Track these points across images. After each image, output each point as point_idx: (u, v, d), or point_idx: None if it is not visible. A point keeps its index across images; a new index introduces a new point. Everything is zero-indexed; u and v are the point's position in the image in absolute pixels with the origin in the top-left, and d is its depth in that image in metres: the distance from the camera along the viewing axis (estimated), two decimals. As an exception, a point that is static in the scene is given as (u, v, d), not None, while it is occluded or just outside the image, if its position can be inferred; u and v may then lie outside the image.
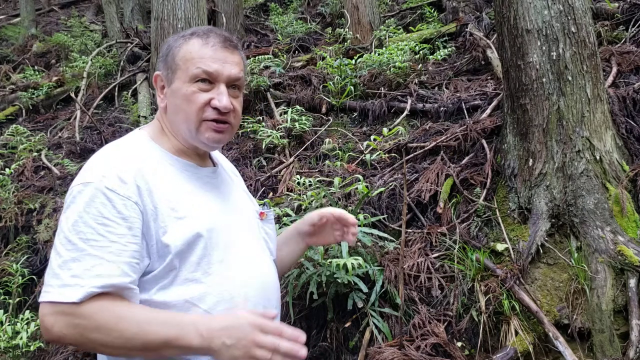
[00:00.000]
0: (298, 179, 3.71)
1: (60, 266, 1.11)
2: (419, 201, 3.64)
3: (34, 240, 4.14)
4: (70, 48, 8.24)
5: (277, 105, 5.49)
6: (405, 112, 4.87)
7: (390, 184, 3.77)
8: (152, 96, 6.23)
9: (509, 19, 3.40)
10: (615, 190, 3.06)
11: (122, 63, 7.38)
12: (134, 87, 6.72)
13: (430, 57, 5.78)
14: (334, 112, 5.32)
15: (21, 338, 3.09)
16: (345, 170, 4.04)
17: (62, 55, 8.37)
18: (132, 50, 7.62)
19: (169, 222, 1.21)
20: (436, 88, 5.28)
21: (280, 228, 2.91)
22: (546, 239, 3.08)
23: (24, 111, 6.69)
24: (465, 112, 4.55)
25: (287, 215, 3.33)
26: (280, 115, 5.17)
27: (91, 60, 7.30)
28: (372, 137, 3.95)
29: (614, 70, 4.24)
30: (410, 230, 3.48)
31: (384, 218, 3.53)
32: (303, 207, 3.47)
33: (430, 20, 7.10)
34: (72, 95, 6.78)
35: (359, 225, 3.17)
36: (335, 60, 5.64)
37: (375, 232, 3.15)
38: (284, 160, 4.58)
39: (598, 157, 3.15)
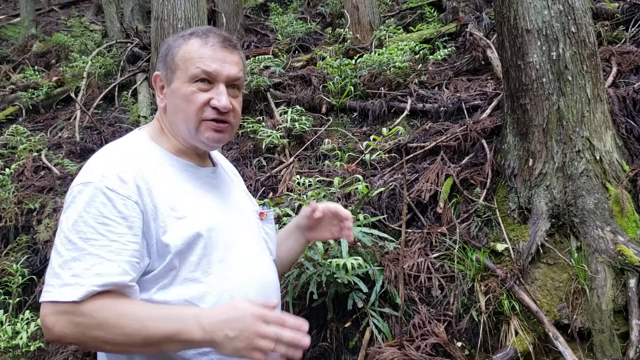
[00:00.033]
0: (298, 179, 3.71)
1: (61, 266, 1.11)
2: (419, 201, 3.64)
3: (34, 240, 4.14)
4: (70, 48, 8.24)
5: (277, 105, 5.49)
6: (405, 112, 4.87)
7: (390, 184, 3.77)
8: (152, 96, 6.22)
9: (509, 19, 3.40)
10: (615, 190, 3.06)
11: (122, 63, 7.39)
12: (134, 87, 6.72)
13: (430, 57, 5.77)
14: (334, 112, 5.32)
15: (21, 338, 3.09)
16: (345, 170, 4.04)
17: (62, 55, 8.37)
18: (132, 50, 7.62)
19: (168, 221, 1.21)
20: (436, 88, 5.28)
21: (280, 228, 2.90)
22: (546, 239, 3.08)
23: (24, 111, 6.69)
24: (465, 112, 4.55)
25: (287, 215, 3.33)
26: (280, 115, 5.17)
27: (91, 60, 7.30)
28: (371, 137, 3.95)
29: (614, 70, 4.24)
30: (410, 230, 3.48)
31: (384, 218, 3.53)
32: (303, 207, 3.47)
33: (430, 20, 7.10)
34: (72, 95, 6.79)
35: (359, 225, 3.17)
36: (335, 60, 5.64)
37: (375, 232, 3.15)
38: (284, 160, 4.58)
39: (598, 157, 3.15)
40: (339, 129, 5.06)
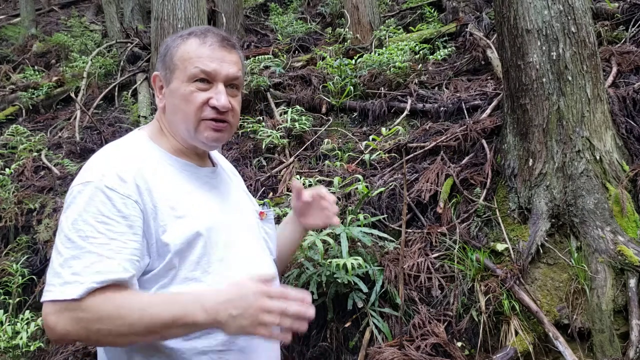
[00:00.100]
0: (298, 179, 3.71)
1: (61, 265, 1.12)
2: (419, 201, 3.64)
3: (34, 240, 4.14)
4: (70, 48, 8.24)
5: (277, 105, 5.49)
6: (405, 112, 4.87)
7: (390, 184, 3.77)
8: (152, 96, 6.22)
9: (509, 19, 3.40)
10: (615, 190, 3.06)
11: (122, 63, 7.39)
12: (134, 87, 6.72)
13: (430, 57, 5.77)
14: (334, 112, 5.32)
15: (21, 338, 3.09)
16: (345, 170, 4.04)
17: (62, 55, 8.37)
18: (132, 50, 7.62)
19: (168, 221, 1.22)
20: (436, 88, 5.28)
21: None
22: (546, 239, 3.08)
23: (24, 111, 6.69)
24: (465, 112, 4.55)
25: (287, 215, 3.33)
26: (280, 115, 5.17)
27: (91, 60, 7.30)
28: (370, 138, 3.95)
29: (614, 70, 4.24)
30: (410, 230, 3.48)
31: (384, 218, 3.53)
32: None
33: (430, 20, 7.10)
34: (72, 95, 6.79)
35: (359, 225, 3.17)
36: (335, 60, 5.64)
37: (375, 232, 3.15)
38: (284, 160, 4.58)
39: (598, 157, 3.15)
40: (339, 129, 5.05)
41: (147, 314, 1.09)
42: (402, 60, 5.43)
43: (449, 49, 5.83)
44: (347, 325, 2.96)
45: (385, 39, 6.59)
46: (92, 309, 1.08)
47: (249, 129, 4.92)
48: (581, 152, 3.15)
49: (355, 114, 5.23)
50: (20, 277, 3.66)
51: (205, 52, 1.31)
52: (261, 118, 5.19)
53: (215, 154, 1.55)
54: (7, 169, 4.61)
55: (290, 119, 4.89)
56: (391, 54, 5.58)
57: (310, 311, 1.11)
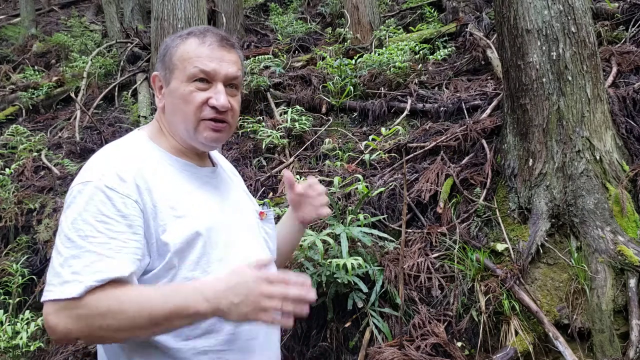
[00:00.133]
0: (298, 179, 3.71)
1: (61, 264, 1.12)
2: (419, 201, 3.64)
3: (34, 240, 4.14)
4: (70, 48, 8.24)
5: (277, 105, 5.49)
6: (405, 112, 4.87)
7: (390, 184, 3.77)
8: (152, 96, 6.22)
9: (509, 19, 3.40)
10: (615, 190, 3.06)
11: (122, 63, 7.39)
12: (134, 87, 6.72)
13: (430, 57, 5.77)
14: (334, 112, 5.32)
15: (21, 338, 3.09)
16: (345, 170, 4.04)
17: (62, 55, 8.37)
18: (132, 50, 7.62)
19: (168, 220, 1.22)
20: (436, 88, 5.28)
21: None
22: (546, 239, 3.08)
23: (24, 111, 6.69)
24: (465, 112, 4.55)
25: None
26: (280, 115, 5.17)
27: (91, 60, 7.30)
28: (370, 138, 3.95)
29: (614, 70, 4.24)
30: (410, 230, 3.48)
31: (384, 218, 3.53)
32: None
33: (430, 20, 7.10)
34: (72, 95, 6.79)
35: (359, 225, 3.17)
36: (335, 60, 5.64)
37: (375, 232, 3.15)
38: (284, 160, 4.58)
39: (598, 157, 3.15)
40: (339, 129, 5.05)
41: (148, 307, 1.09)
42: (402, 60, 5.43)
43: (449, 49, 5.83)
44: (347, 325, 2.96)
45: (385, 39, 6.59)
46: (92, 306, 1.08)
47: (249, 129, 4.92)
48: (581, 152, 3.15)
49: (355, 114, 5.23)
50: (20, 277, 3.66)
51: (205, 51, 1.31)
52: (261, 118, 5.19)
53: (216, 154, 1.55)
54: (7, 169, 4.61)
55: (290, 119, 4.89)
56: (391, 54, 5.58)
57: (311, 294, 1.11)
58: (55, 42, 8.65)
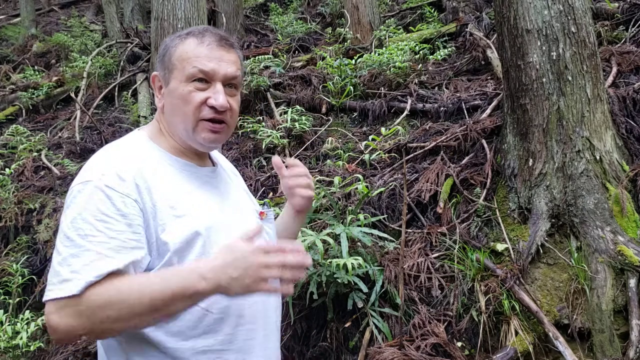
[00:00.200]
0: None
1: (60, 263, 1.12)
2: (419, 201, 3.64)
3: (34, 240, 4.14)
4: (70, 48, 8.24)
5: (277, 105, 5.49)
6: (405, 112, 4.87)
7: (390, 184, 3.77)
8: (152, 96, 6.21)
9: (509, 19, 3.40)
10: (615, 190, 3.06)
11: (122, 63, 7.39)
12: (134, 87, 6.72)
13: (430, 57, 5.77)
14: (334, 112, 5.32)
15: (21, 338, 3.09)
16: (345, 170, 4.04)
17: (62, 55, 8.37)
18: (132, 50, 7.62)
19: (167, 220, 1.22)
20: (436, 88, 5.28)
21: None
22: (546, 239, 3.08)
23: (24, 111, 6.69)
24: (465, 112, 4.55)
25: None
26: (280, 115, 5.17)
27: (91, 60, 7.30)
28: (370, 138, 3.95)
29: (614, 70, 4.24)
30: (410, 230, 3.48)
31: (384, 218, 3.53)
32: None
33: (430, 20, 7.10)
34: (72, 95, 6.79)
35: (359, 225, 3.17)
36: (335, 60, 5.64)
37: (375, 232, 3.15)
38: (284, 160, 4.58)
39: (598, 157, 3.15)
40: (339, 129, 5.06)
41: (147, 292, 1.09)
42: (402, 60, 5.43)
43: (449, 49, 5.83)
44: (347, 325, 2.96)
45: (385, 39, 6.59)
46: (92, 299, 1.08)
47: (249, 129, 4.92)
48: (581, 152, 3.15)
49: (355, 114, 5.23)
50: (20, 277, 3.66)
51: (203, 51, 1.31)
52: (261, 118, 5.19)
53: (216, 154, 1.55)
54: (7, 169, 4.62)
55: (290, 119, 4.89)
56: (391, 54, 5.58)
57: (308, 259, 1.14)
58: (55, 42, 8.66)
